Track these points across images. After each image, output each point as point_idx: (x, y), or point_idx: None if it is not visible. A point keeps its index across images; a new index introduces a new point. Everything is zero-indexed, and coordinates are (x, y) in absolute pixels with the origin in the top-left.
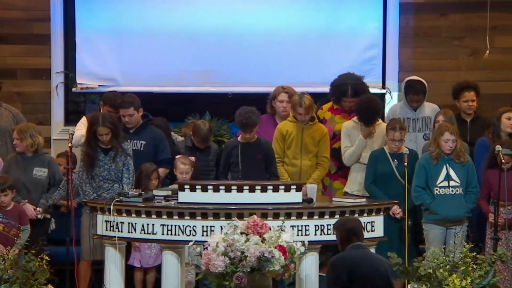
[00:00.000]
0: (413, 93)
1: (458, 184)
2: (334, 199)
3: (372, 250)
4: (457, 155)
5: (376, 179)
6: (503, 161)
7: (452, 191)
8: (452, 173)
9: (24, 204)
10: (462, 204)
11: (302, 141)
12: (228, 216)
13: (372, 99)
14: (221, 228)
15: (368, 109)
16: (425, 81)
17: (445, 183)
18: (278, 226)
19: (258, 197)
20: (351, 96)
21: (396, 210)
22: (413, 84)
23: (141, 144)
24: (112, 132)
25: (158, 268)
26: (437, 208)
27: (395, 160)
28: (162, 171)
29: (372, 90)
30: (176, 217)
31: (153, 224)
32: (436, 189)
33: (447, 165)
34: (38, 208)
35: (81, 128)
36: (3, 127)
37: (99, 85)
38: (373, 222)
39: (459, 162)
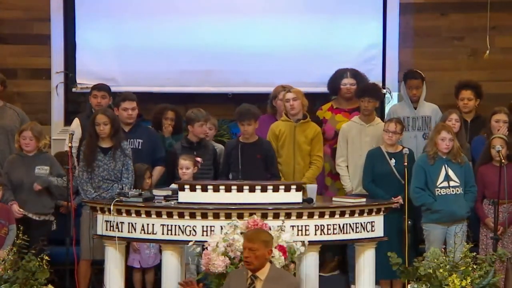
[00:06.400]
0: (411, 77)
1: (457, 184)
2: (334, 199)
3: (372, 250)
4: (454, 155)
5: (374, 179)
6: (503, 160)
7: (452, 191)
8: (451, 173)
9: (12, 205)
10: (463, 203)
11: (295, 140)
12: (228, 216)
13: (374, 83)
14: (221, 228)
15: (367, 84)
16: (425, 82)
17: (445, 184)
18: (278, 226)
19: (258, 197)
20: (350, 77)
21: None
22: (411, 71)
23: (139, 142)
24: (111, 124)
25: (157, 268)
26: (439, 208)
27: (392, 158)
28: (160, 169)
29: None
30: (176, 217)
31: (153, 224)
32: (437, 190)
33: (446, 165)
34: (35, 185)
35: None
36: (7, 126)
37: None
38: (373, 222)
39: (456, 163)
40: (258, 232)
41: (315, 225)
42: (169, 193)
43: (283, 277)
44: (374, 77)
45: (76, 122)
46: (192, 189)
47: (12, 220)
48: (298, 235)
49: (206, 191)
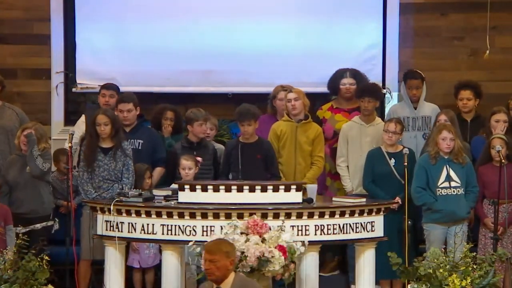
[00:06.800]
0: (411, 77)
1: (459, 185)
2: (334, 199)
3: (372, 250)
4: (456, 155)
5: (374, 179)
6: (503, 160)
7: (453, 191)
8: (452, 174)
9: None
10: (464, 203)
11: (296, 140)
12: (228, 216)
13: (374, 83)
14: (221, 228)
15: (367, 84)
16: (425, 82)
17: (446, 184)
18: (278, 226)
19: (258, 197)
20: (350, 77)
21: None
22: (411, 71)
23: (139, 143)
24: (111, 124)
25: (157, 268)
26: (440, 208)
27: (392, 158)
28: (160, 170)
29: None
30: (176, 217)
31: (153, 224)
32: (438, 190)
33: (447, 165)
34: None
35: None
36: (7, 126)
37: (99, 85)
38: (373, 222)
39: (458, 163)
40: (219, 243)
41: (315, 225)
42: (169, 193)
43: (247, 285)
44: (374, 77)
45: (82, 118)
46: (192, 189)
47: (9, 220)
48: (298, 235)
49: (206, 191)
